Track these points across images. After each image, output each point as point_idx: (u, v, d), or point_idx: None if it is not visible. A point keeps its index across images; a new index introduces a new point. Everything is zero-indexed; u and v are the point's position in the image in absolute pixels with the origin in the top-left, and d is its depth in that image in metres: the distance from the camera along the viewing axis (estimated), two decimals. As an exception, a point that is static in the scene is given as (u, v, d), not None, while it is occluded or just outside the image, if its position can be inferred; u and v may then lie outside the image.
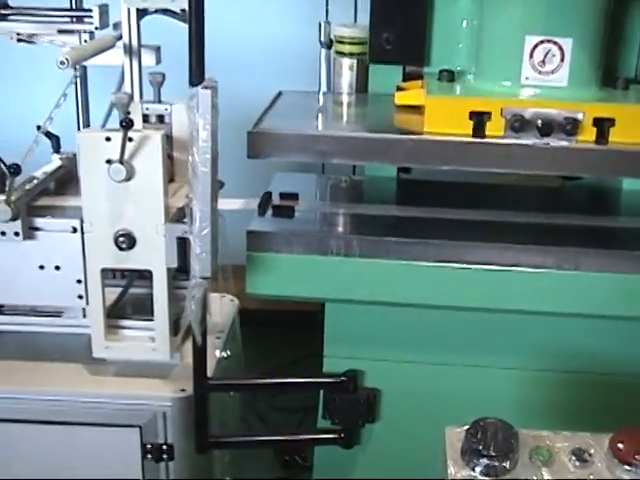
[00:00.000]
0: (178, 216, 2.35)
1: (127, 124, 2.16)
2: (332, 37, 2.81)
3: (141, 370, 2.46)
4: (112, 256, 2.32)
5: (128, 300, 2.61)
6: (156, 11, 2.57)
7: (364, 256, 2.24)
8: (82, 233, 2.34)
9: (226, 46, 3.85)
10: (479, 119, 2.17)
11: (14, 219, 2.30)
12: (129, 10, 2.54)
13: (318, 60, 3.51)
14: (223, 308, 2.83)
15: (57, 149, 2.66)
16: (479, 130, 2.17)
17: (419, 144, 2.19)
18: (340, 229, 2.36)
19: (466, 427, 1.81)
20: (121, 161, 2.21)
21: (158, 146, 2.23)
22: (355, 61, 2.75)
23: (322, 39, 2.81)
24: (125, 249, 2.30)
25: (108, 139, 2.23)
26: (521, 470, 1.74)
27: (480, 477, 1.73)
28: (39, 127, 2.62)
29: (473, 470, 1.74)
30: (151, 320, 2.39)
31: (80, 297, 2.41)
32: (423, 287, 2.26)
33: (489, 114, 2.18)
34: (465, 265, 2.23)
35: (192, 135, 2.09)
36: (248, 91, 3.21)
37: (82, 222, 2.33)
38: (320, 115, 2.57)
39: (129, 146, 2.21)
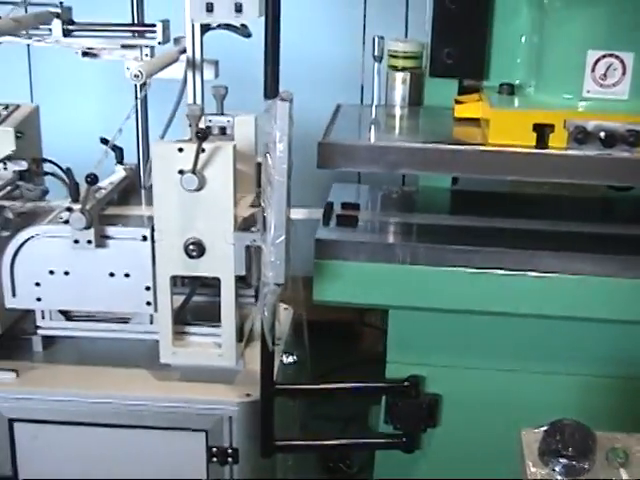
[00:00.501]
0: (244, 225, 2.41)
1: (203, 135, 2.23)
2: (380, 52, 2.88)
3: (205, 375, 2.52)
4: (182, 264, 2.38)
5: (188, 307, 2.66)
6: (218, 26, 2.64)
7: (429, 264, 2.31)
8: (152, 241, 2.40)
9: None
10: (543, 131, 2.24)
11: (88, 227, 2.36)
12: (193, 25, 2.60)
13: (360, 73, 3.60)
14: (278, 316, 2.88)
15: (120, 160, 2.72)
16: (542, 142, 2.24)
17: (485, 155, 2.25)
18: (404, 237, 2.41)
19: (543, 428, 1.87)
20: (194, 171, 2.27)
21: (229, 156, 2.29)
22: (408, 75, 2.82)
23: (375, 53, 2.88)
24: (195, 257, 2.37)
25: (181, 150, 2.30)
26: (599, 470, 1.80)
27: (559, 477, 1.79)
28: (103, 140, 2.69)
29: (553, 470, 1.80)
30: (218, 326, 2.45)
31: (148, 304, 2.47)
32: (485, 294, 2.33)
33: (552, 126, 2.24)
34: (527, 273, 2.29)
35: (267, 145, 2.16)
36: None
37: (152, 230, 2.39)
38: (382, 127, 2.64)
39: (201, 156, 2.27)
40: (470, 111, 2.50)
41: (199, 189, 2.30)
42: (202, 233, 2.35)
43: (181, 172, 2.29)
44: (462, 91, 2.67)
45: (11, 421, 2.51)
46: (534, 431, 1.89)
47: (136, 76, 2.33)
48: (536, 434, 1.88)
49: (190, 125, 2.57)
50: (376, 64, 2.91)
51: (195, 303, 2.68)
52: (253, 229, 2.40)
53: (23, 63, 4.25)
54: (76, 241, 2.39)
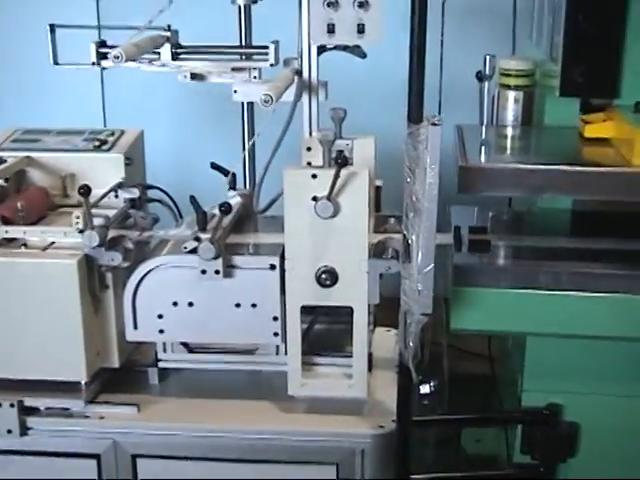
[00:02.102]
0: (375, 251, 2.35)
1: (343, 161, 2.16)
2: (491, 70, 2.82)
3: (332, 406, 2.45)
4: (313, 293, 2.31)
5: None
6: (335, 47, 2.58)
7: (572, 289, 2.23)
8: (281, 270, 2.33)
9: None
10: (691, 150, 2.16)
11: (216, 257, 2.30)
12: (310, 47, 2.54)
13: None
14: (384, 341, 2.81)
15: (233, 186, 2.64)
16: (690, 161, 2.17)
17: (634, 177, 2.18)
18: (543, 262, 2.33)
19: None
20: (329, 198, 2.20)
21: (365, 182, 2.22)
22: (521, 93, 2.76)
23: (487, 72, 2.81)
24: (328, 286, 2.29)
25: (314, 176, 2.23)
26: None
27: None
28: (214, 165, 2.63)
29: None
30: (348, 356, 2.38)
31: (276, 334, 2.40)
32: (628, 319, 2.25)
33: (700, 145, 2.17)
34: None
35: (411, 170, 2.09)
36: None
37: (281, 259, 2.32)
38: (515, 148, 2.58)
39: (335, 183, 2.21)
40: (602, 131, 2.43)
41: (333, 216, 2.23)
42: (335, 261, 2.28)
43: (314, 199, 2.22)
44: (583, 110, 2.59)
45: (134, 457, 2.44)
46: None
47: (266, 101, 2.26)
48: None
49: (309, 149, 2.53)
50: (485, 83, 2.85)
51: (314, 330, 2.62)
52: (384, 256, 2.34)
53: (96, 88, 4.21)
54: (203, 271, 2.33)
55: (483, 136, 2.61)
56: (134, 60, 2.46)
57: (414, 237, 2.12)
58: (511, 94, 2.77)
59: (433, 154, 2.04)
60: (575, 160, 2.30)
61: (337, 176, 2.18)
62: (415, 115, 2.08)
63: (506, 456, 2.58)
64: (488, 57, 2.81)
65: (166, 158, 4.09)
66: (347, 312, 2.35)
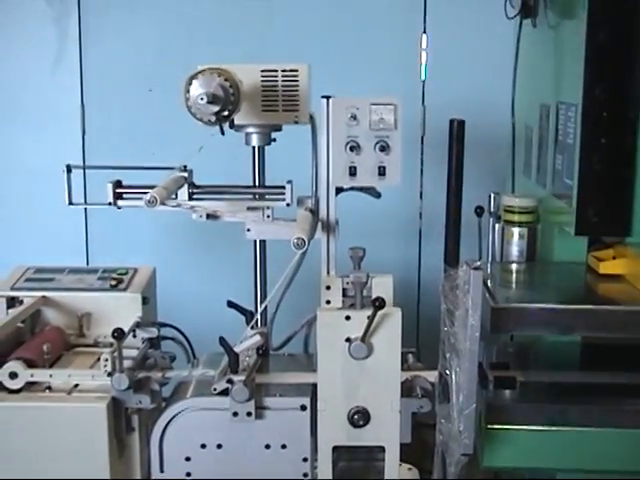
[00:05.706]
0: (404, 390, 2.37)
1: (380, 304, 2.20)
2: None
3: None
4: (345, 433, 2.33)
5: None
6: (351, 188, 2.64)
7: (602, 425, 2.27)
8: (311, 410, 2.34)
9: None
10: None
11: (249, 399, 2.30)
12: (329, 188, 2.59)
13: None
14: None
15: (253, 324, 2.65)
16: None
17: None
18: (571, 398, 2.36)
19: None
20: (363, 339, 2.24)
21: (397, 323, 2.27)
22: (526, 230, 2.85)
23: (492, 209, 2.91)
24: (360, 426, 2.31)
25: (348, 318, 2.27)
26: None
27: None
28: (231, 303, 2.65)
29: None
30: (384, 494, 2.38)
31: (305, 475, 2.39)
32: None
33: None
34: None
35: (448, 311, 2.14)
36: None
37: (312, 400, 2.33)
38: (536, 286, 2.64)
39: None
40: (617, 268, 2.52)
41: (366, 357, 2.26)
42: (367, 401, 2.31)
43: (348, 340, 2.26)
44: (592, 246, 2.69)
45: None
46: None
47: (299, 245, 2.29)
48: None
49: (328, 288, 2.54)
50: (490, 220, 2.94)
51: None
52: (413, 394, 2.37)
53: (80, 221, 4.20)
54: (235, 414, 2.32)
55: (498, 274, 2.67)
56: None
57: (454, 377, 2.15)
58: (516, 230, 2.86)
59: (475, 297, 2.09)
60: (598, 298, 2.38)
61: (373, 318, 2.22)
62: (452, 259, 2.14)
63: None
64: (492, 194, 2.91)
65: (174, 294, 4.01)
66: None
